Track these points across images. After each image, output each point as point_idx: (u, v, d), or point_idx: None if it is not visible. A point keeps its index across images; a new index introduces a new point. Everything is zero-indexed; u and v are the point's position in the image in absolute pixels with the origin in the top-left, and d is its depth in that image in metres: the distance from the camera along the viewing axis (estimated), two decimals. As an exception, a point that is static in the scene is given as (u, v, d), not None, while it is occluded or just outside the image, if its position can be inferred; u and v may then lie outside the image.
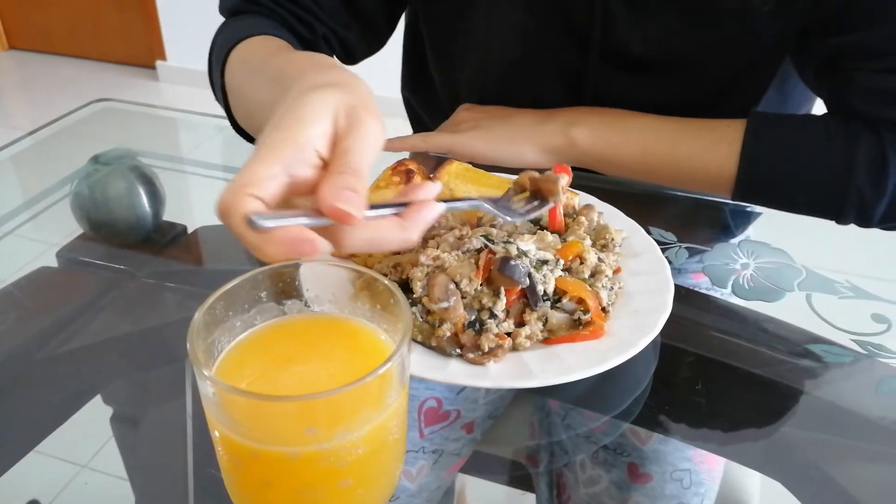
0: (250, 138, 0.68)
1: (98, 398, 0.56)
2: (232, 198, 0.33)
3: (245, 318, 0.34)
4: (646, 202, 0.67)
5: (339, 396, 0.29)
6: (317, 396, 0.29)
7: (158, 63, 3.25)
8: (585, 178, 0.67)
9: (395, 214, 0.36)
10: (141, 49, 3.30)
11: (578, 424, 0.62)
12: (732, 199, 0.63)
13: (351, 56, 0.75)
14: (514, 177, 0.61)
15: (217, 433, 0.31)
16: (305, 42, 0.68)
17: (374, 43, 0.77)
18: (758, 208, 0.66)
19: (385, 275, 0.49)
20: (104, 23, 3.37)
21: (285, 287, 0.35)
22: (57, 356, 0.56)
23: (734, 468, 0.58)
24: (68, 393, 0.54)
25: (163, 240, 0.69)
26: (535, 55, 0.70)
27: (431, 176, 0.59)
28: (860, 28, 0.58)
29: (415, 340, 0.46)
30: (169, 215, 0.70)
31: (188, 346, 0.30)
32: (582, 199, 0.58)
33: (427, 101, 0.84)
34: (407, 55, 0.86)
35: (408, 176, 0.56)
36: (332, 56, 0.71)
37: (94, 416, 0.53)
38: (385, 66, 0.88)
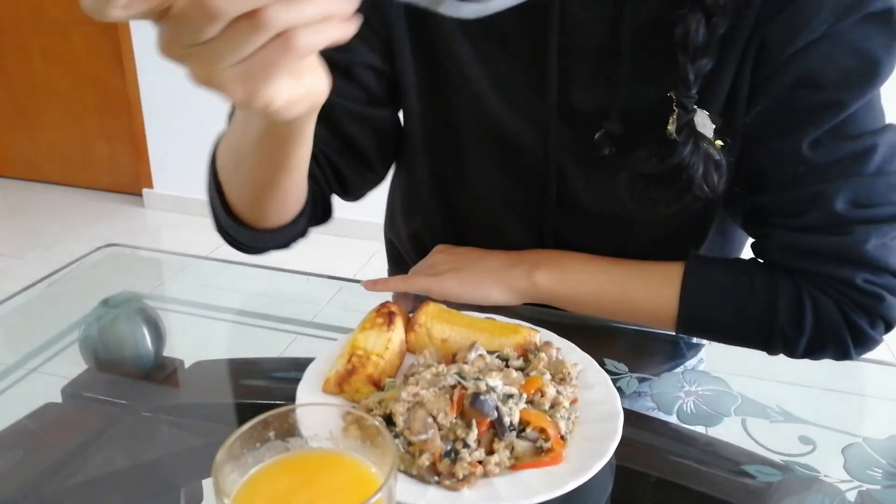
0: (242, 247, 0.76)
1: None
2: None
3: (256, 454, 0.41)
4: (601, 335, 0.75)
5: (337, 522, 0.35)
6: (319, 523, 0.35)
7: (145, 191, 3.37)
8: (546, 314, 0.75)
9: None
10: (128, 177, 3.44)
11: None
12: (676, 333, 0.72)
13: (345, 187, 0.80)
14: (484, 315, 0.69)
15: (233, 556, 0.36)
16: None
17: (369, 174, 0.81)
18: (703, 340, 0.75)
19: (370, 410, 0.56)
20: (93, 153, 3.51)
21: (289, 427, 0.42)
22: (61, 491, 0.59)
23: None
24: None
25: (161, 375, 0.74)
26: (500, 201, 0.80)
27: (411, 316, 0.67)
28: (772, 192, 0.68)
29: (398, 469, 0.52)
30: (168, 350, 0.76)
31: (213, 478, 0.37)
32: (542, 335, 0.66)
33: (408, 242, 0.92)
34: (392, 198, 0.95)
35: (390, 318, 0.64)
36: (321, 179, 0.76)
37: None
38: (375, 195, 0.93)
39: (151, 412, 0.69)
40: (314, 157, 0.72)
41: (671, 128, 0.64)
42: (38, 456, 0.63)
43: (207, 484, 0.59)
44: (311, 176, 0.73)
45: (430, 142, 0.80)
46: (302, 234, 0.78)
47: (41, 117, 3.55)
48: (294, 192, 0.69)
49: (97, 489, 0.60)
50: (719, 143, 0.64)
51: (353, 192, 0.82)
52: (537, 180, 0.76)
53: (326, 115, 0.72)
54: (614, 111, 0.68)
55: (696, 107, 0.64)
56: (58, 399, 0.69)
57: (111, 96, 3.34)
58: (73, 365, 0.72)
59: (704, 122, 0.64)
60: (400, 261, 0.97)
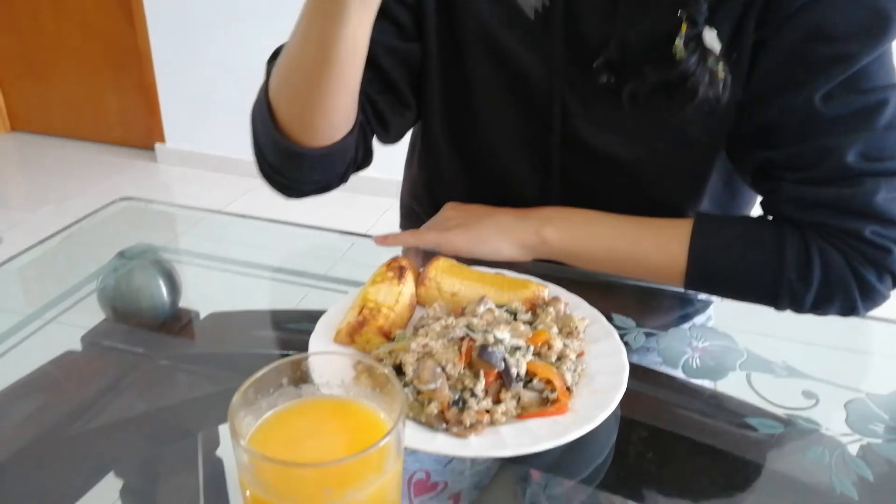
0: (283, 184, 0.77)
1: (110, 474, 0.60)
2: None
3: (269, 399, 0.42)
4: (609, 291, 0.76)
5: (348, 464, 0.36)
6: (331, 464, 0.36)
7: (157, 145, 3.38)
8: (555, 270, 0.76)
9: None
10: (140, 132, 3.44)
11: (559, 494, 0.69)
12: (684, 289, 0.72)
13: (385, 127, 0.81)
14: (494, 270, 0.70)
15: (248, 493, 0.38)
16: None
17: (406, 112, 0.82)
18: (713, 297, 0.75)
19: (381, 360, 0.57)
20: (104, 106, 3.51)
21: (302, 374, 0.43)
22: (81, 434, 0.62)
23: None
24: (88, 469, 0.59)
25: (177, 325, 0.76)
26: (507, 139, 0.81)
27: (421, 270, 0.68)
28: (783, 146, 0.69)
29: (407, 417, 0.53)
30: (183, 302, 0.78)
31: (229, 422, 0.38)
32: (551, 290, 0.67)
33: (427, 205, 0.93)
34: (410, 160, 0.96)
35: (400, 272, 0.65)
36: (363, 120, 0.77)
37: (96, 493, 0.57)
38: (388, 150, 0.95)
39: (168, 360, 0.71)
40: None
41: (678, 43, 0.64)
42: (60, 401, 0.65)
43: (224, 430, 0.61)
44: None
45: (443, 80, 0.81)
46: (342, 177, 0.79)
47: (52, 71, 3.54)
48: (341, 100, 0.69)
49: (117, 434, 0.63)
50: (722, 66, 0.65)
51: (393, 133, 0.83)
52: (543, 117, 0.77)
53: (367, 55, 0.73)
54: (614, 40, 0.69)
55: (705, 24, 0.64)
56: (77, 348, 0.71)
57: (122, 50, 3.32)
58: (90, 315, 0.74)
59: (712, 40, 0.65)
60: (415, 220, 0.98)
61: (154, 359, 0.71)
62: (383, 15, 0.74)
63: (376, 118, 0.80)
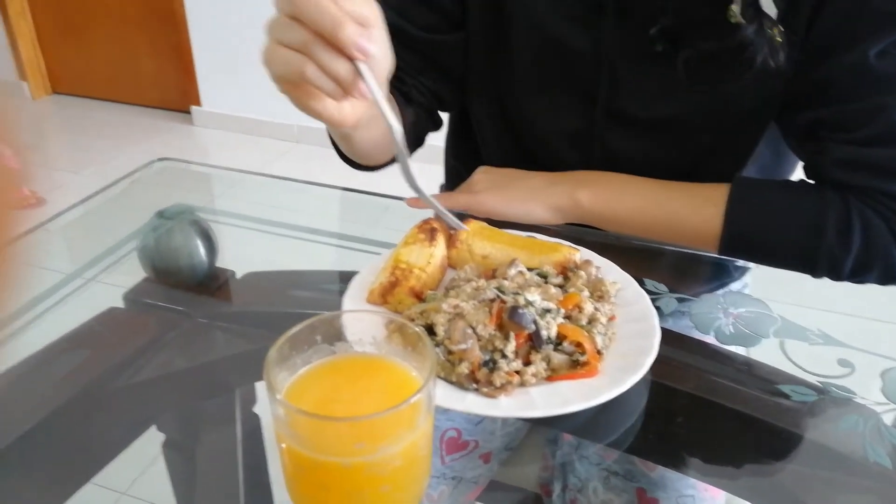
0: (352, 163, 0.84)
1: (152, 428, 0.62)
2: None
3: (304, 356, 0.43)
4: (642, 255, 0.75)
5: (380, 419, 0.37)
6: (364, 419, 0.37)
7: (193, 108, 3.41)
8: (587, 234, 0.75)
9: None
10: (176, 94, 3.47)
11: (591, 454, 0.69)
12: (719, 255, 0.71)
13: (442, 103, 0.87)
14: (525, 233, 0.70)
15: (284, 445, 0.39)
16: (401, 91, 0.81)
17: (459, 91, 0.87)
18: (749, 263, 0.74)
19: (412, 320, 0.58)
20: (141, 69, 3.55)
21: (335, 332, 0.44)
22: (124, 389, 0.64)
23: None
24: (131, 423, 0.61)
25: (215, 284, 0.78)
26: (550, 114, 0.80)
27: (452, 233, 0.68)
28: (833, 104, 0.67)
29: (438, 376, 0.54)
30: (220, 262, 0.80)
31: (264, 376, 0.39)
32: (583, 254, 0.67)
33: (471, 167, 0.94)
34: (453, 126, 0.97)
35: (432, 234, 0.65)
36: (424, 102, 0.84)
37: (139, 446, 0.59)
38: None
39: (207, 318, 0.73)
40: (414, 87, 0.82)
41: (735, 8, 0.63)
42: (104, 356, 0.68)
43: (260, 387, 0.63)
44: (415, 101, 0.82)
45: (488, 52, 0.81)
46: (415, 149, 0.87)
47: (90, 34, 3.58)
48: (377, 151, 0.77)
49: (159, 389, 0.65)
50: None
51: (452, 104, 0.90)
52: (588, 88, 0.76)
53: (419, 49, 0.79)
54: (670, 4, 0.67)
55: None
56: (118, 304, 0.73)
57: (157, 12, 3.33)
58: (131, 274, 0.76)
59: (769, 4, 0.63)
60: (459, 181, 0.98)
61: (193, 316, 0.73)
62: (431, 7, 0.79)
63: (436, 99, 0.85)
